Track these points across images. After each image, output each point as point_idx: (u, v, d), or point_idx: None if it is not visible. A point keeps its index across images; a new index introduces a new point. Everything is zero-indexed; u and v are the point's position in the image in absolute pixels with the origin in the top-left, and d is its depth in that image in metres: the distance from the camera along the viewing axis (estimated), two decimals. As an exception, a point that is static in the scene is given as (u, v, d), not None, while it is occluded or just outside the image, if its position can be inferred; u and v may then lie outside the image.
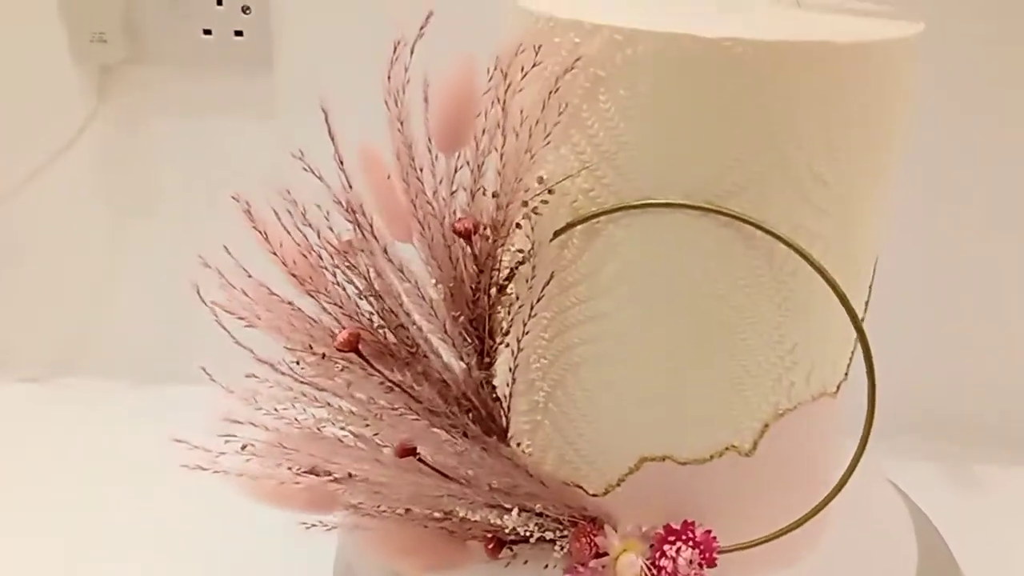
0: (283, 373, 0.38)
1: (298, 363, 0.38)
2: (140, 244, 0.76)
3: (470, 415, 0.39)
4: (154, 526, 0.63)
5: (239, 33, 0.69)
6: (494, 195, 0.37)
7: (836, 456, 0.42)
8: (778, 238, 0.36)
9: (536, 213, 0.37)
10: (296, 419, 0.40)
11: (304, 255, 0.38)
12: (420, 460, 0.39)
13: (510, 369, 0.40)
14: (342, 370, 0.38)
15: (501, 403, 0.40)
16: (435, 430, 0.39)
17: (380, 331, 0.39)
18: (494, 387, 0.40)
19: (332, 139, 0.35)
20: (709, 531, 0.40)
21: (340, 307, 0.38)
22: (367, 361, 0.37)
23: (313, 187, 0.35)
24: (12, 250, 0.77)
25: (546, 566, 0.42)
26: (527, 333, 0.39)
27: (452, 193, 0.37)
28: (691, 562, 0.40)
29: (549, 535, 0.41)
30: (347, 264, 0.38)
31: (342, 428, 0.40)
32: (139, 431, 0.68)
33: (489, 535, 0.42)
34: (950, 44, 0.61)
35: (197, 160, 0.73)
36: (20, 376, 0.80)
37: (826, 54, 0.35)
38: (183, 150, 0.73)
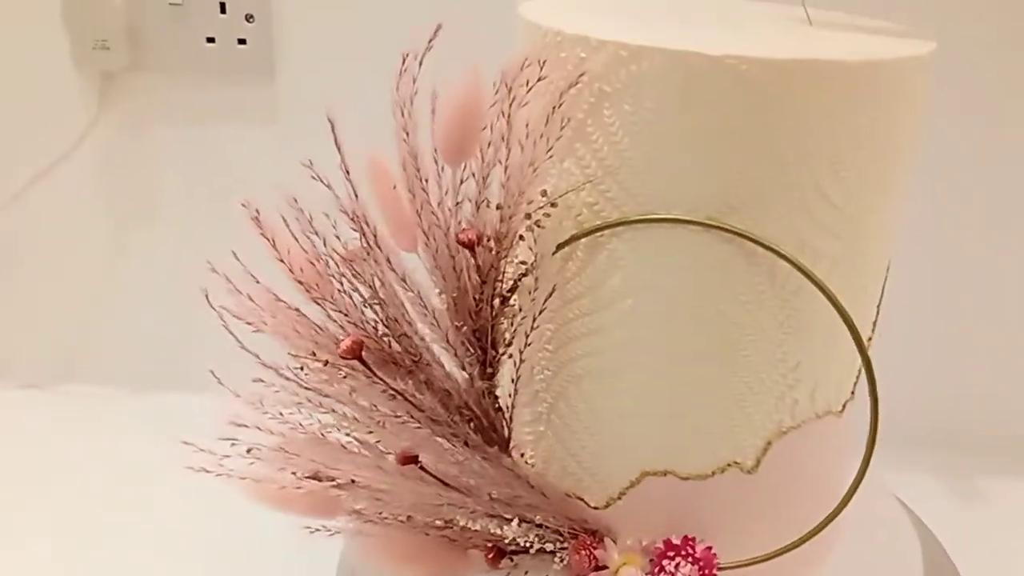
0: (288, 378, 0.39)
1: (302, 369, 0.39)
2: (141, 251, 0.77)
3: (471, 424, 0.40)
4: (155, 532, 0.63)
5: (242, 41, 0.69)
6: (498, 207, 0.37)
7: (842, 474, 0.42)
8: (780, 255, 0.36)
9: (539, 226, 0.37)
10: (300, 424, 0.40)
11: (312, 263, 0.39)
12: (422, 468, 0.39)
13: (512, 380, 0.40)
14: (345, 377, 0.38)
15: (503, 413, 0.41)
16: (437, 439, 0.39)
17: (384, 339, 0.39)
18: (496, 397, 0.40)
19: (338, 149, 0.36)
20: (710, 547, 0.40)
21: (345, 315, 0.39)
22: (370, 369, 0.38)
23: (317, 196, 0.36)
24: (13, 256, 0.78)
25: (546, 577, 0.42)
26: (529, 344, 0.39)
27: (457, 204, 0.37)
28: (690, 578, 0.40)
29: (549, 546, 0.41)
30: (353, 272, 0.38)
31: (346, 434, 0.40)
32: (139, 438, 0.70)
33: (490, 545, 0.42)
34: (961, 59, 0.61)
35: (199, 168, 0.73)
36: (21, 382, 0.80)
37: (834, 73, 0.35)
38: (185, 157, 0.73)
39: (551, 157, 0.36)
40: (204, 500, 0.58)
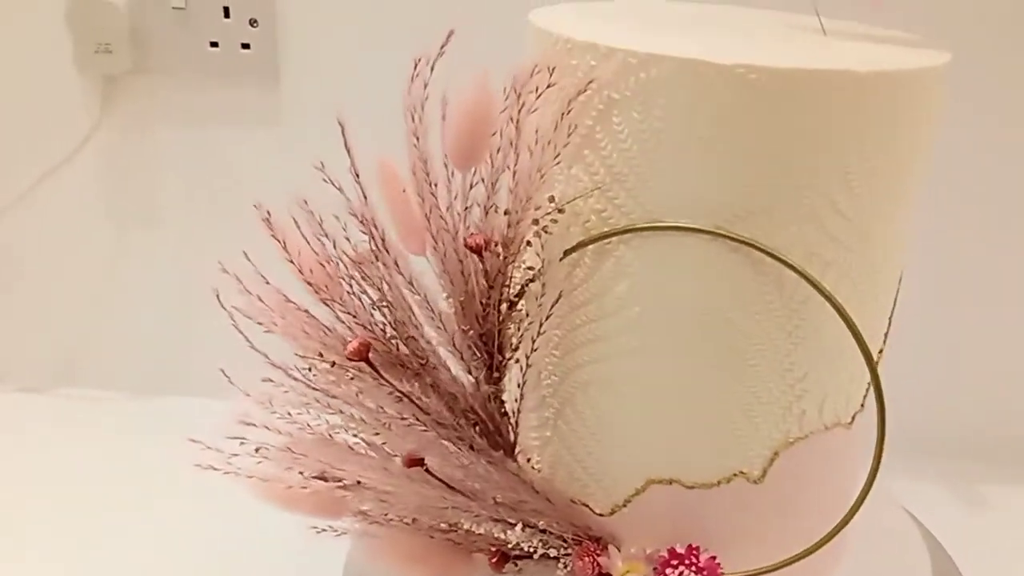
0: (296, 379, 0.39)
1: (310, 370, 0.39)
2: (142, 255, 0.77)
3: (477, 428, 0.40)
4: (155, 535, 0.63)
5: (246, 46, 0.69)
6: (506, 212, 0.37)
7: (849, 484, 0.41)
8: (788, 265, 0.36)
9: (547, 232, 0.37)
10: (308, 424, 0.41)
11: (322, 264, 0.39)
12: (427, 471, 0.39)
13: (518, 385, 0.40)
14: (352, 379, 0.39)
15: (509, 418, 0.41)
16: (443, 442, 0.39)
17: (392, 342, 0.39)
18: (502, 402, 0.40)
19: (348, 152, 0.36)
20: (714, 557, 0.40)
21: (354, 316, 0.39)
22: (376, 371, 0.38)
23: (323, 199, 0.36)
24: (14, 259, 0.77)
25: (549, 583, 0.42)
26: (536, 350, 0.39)
27: (466, 209, 0.38)
28: (694, 587, 0.40)
29: (553, 552, 0.41)
30: (362, 275, 0.39)
31: (354, 435, 0.41)
32: (139, 441, 0.70)
33: (494, 549, 0.42)
34: (977, 69, 0.60)
35: (201, 172, 0.73)
36: (21, 386, 0.80)
37: (844, 83, 0.34)
38: (187, 162, 0.73)
39: (559, 163, 0.36)
40: (205, 503, 0.58)
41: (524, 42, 0.40)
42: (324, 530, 0.42)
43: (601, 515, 0.42)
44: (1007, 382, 0.74)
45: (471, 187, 0.38)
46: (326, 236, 0.38)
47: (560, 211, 0.37)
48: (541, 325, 0.39)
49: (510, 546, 0.41)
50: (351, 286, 0.39)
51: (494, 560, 0.42)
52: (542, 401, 0.42)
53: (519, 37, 0.41)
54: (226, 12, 0.68)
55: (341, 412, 0.40)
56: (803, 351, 0.38)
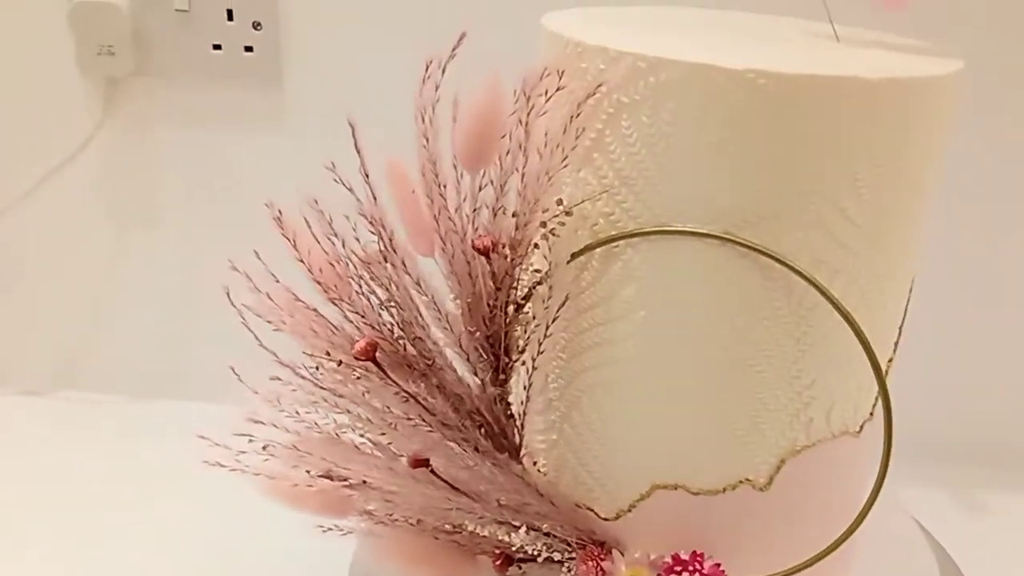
0: (303, 377, 0.40)
1: (318, 369, 0.39)
2: (143, 258, 0.76)
3: (482, 430, 0.40)
4: (155, 538, 0.62)
5: (249, 48, 0.68)
6: (513, 215, 0.37)
7: (857, 493, 0.41)
8: (796, 271, 0.36)
9: (554, 234, 0.37)
10: (316, 423, 0.41)
11: (332, 264, 0.39)
12: (432, 472, 0.39)
13: (524, 387, 0.40)
14: (359, 378, 0.39)
15: (514, 420, 0.41)
16: (448, 443, 0.39)
17: (399, 342, 0.40)
18: (508, 404, 0.40)
19: (359, 153, 0.36)
20: (718, 564, 0.40)
21: (362, 316, 0.39)
22: (383, 370, 0.38)
23: (330, 200, 0.36)
24: (14, 260, 0.77)
25: (552, 586, 0.42)
26: (542, 352, 0.39)
27: (475, 211, 0.38)
28: (697, 594, 0.39)
29: (557, 556, 0.41)
30: (371, 275, 0.39)
31: (361, 435, 0.41)
32: (139, 444, 0.70)
33: (498, 551, 0.42)
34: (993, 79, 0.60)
35: (203, 174, 0.73)
36: (20, 388, 0.79)
37: (854, 89, 0.34)
38: (189, 164, 0.73)
39: (566, 166, 0.36)
40: (206, 505, 0.60)
41: (536, 45, 0.40)
42: (330, 529, 0.42)
43: (606, 519, 0.42)
44: (1012, 387, 0.74)
45: (480, 189, 0.38)
46: (335, 236, 0.38)
47: (568, 214, 0.37)
48: (548, 328, 0.39)
49: (514, 549, 0.41)
50: (360, 286, 0.39)
51: (498, 562, 0.42)
52: (548, 404, 0.42)
53: (528, 39, 0.41)
54: (229, 15, 0.68)
55: (348, 411, 0.40)
56: (811, 358, 0.38)
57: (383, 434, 0.40)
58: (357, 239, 0.38)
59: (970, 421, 0.73)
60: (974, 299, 0.71)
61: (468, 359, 0.39)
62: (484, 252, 0.37)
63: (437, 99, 0.37)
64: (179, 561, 0.60)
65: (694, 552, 0.40)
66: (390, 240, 0.37)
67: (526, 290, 0.39)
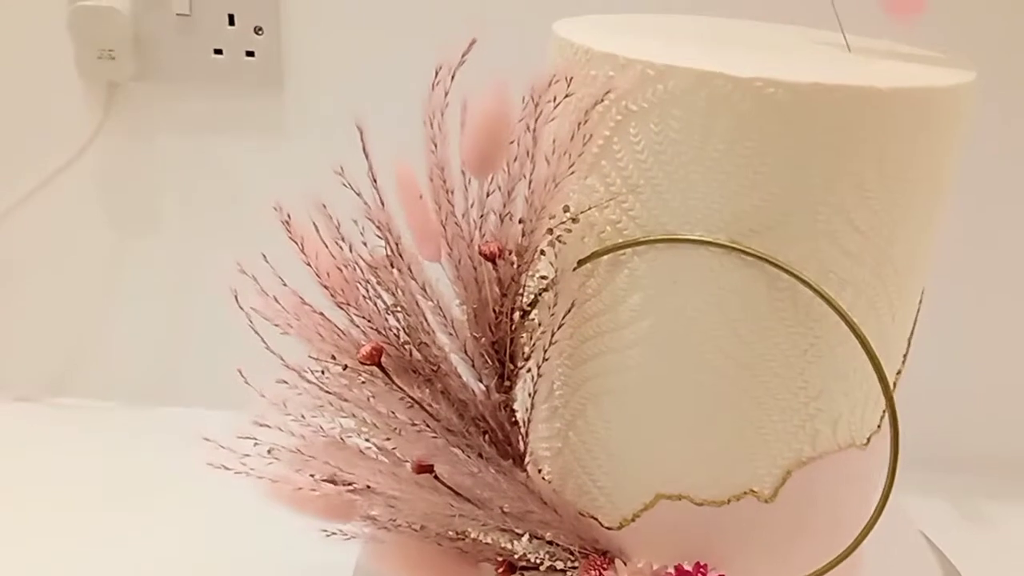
0: (309, 382, 0.40)
1: (323, 373, 0.39)
2: (141, 263, 0.76)
3: (486, 437, 0.40)
4: (153, 545, 0.62)
5: (250, 53, 0.68)
6: (520, 221, 0.37)
7: (863, 506, 0.41)
8: (802, 281, 0.35)
9: (560, 241, 0.37)
10: (321, 427, 0.41)
11: (339, 268, 0.39)
12: (436, 478, 0.39)
13: (529, 394, 0.40)
14: (364, 383, 0.39)
15: (519, 427, 0.41)
16: (452, 449, 0.39)
17: (405, 347, 0.40)
18: (513, 411, 0.40)
19: (366, 157, 0.36)
20: (722, 575, 0.40)
21: (369, 321, 0.39)
22: (388, 375, 0.38)
23: (334, 205, 0.36)
24: (12, 265, 0.76)
25: (555, 595, 0.41)
26: (547, 360, 0.39)
27: (482, 216, 0.38)
28: (700, 605, 0.39)
29: (560, 564, 0.41)
30: (377, 279, 0.39)
31: (366, 440, 0.41)
32: (133, 452, 0.70)
33: (501, 559, 0.42)
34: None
35: (203, 180, 0.73)
36: (14, 395, 0.78)
37: (864, 99, 0.34)
38: (189, 169, 0.72)
39: (573, 173, 0.36)
40: (205, 512, 0.59)
41: (544, 51, 0.40)
42: (333, 534, 0.42)
43: (609, 529, 0.41)
44: (1015, 395, 0.73)
45: (488, 195, 0.38)
46: (343, 240, 0.38)
47: (574, 221, 0.37)
48: (553, 335, 0.38)
49: (517, 557, 0.41)
50: (367, 291, 0.39)
51: (501, 570, 0.42)
52: (553, 411, 0.42)
53: (536, 45, 0.41)
54: (231, 19, 0.67)
55: (353, 416, 0.40)
56: (817, 369, 0.38)
57: (388, 439, 0.40)
58: (364, 243, 0.39)
59: (973, 430, 0.73)
60: (976, 306, 0.70)
61: (473, 365, 0.39)
62: (490, 258, 0.37)
63: (446, 104, 0.37)
64: (177, 569, 0.60)
65: (697, 563, 0.40)
66: (396, 245, 0.38)
67: (532, 297, 0.39)
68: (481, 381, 0.40)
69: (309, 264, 0.39)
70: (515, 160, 0.37)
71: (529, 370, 0.40)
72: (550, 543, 0.41)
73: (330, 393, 0.39)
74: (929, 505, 0.52)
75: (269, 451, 0.40)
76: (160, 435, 0.60)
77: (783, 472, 0.39)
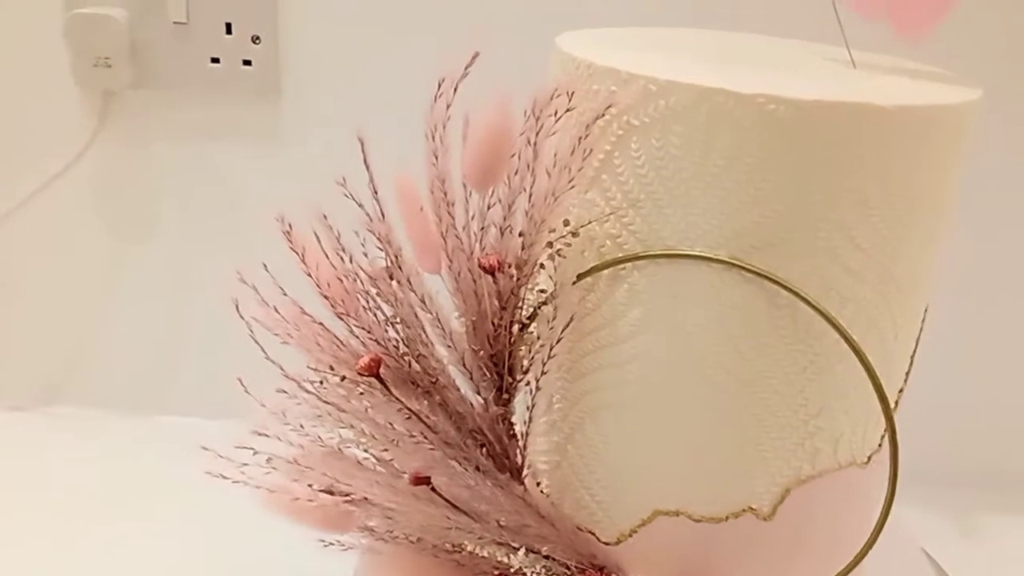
0: (308, 392, 0.40)
1: (321, 383, 0.39)
2: (137, 272, 0.75)
3: (484, 450, 0.40)
4: (147, 556, 0.61)
5: (247, 62, 0.68)
6: (520, 234, 0.37)
7: (864, 524, 0.40)
8: (803, 299, 0.35)
9: (560, 255, 0.37)
10: (320, 437, 0.41)
11: (340, 279, 0.39)
12: (433, 490, 0.39)
13: (527, 408, 0.40)
14: (362, 394, 0.39)
15: (517, 441, 0.40)
16: (450, 462, 0.39)
17: (404, 359, 0.40)
18: (511, 424, 0.40)
19: (367, 168, 0.36)
20: (720, 593, 0.40)
21: (368, 332, 0.39)
22: (386, 387, 0.38)
23: (332, 215, 0.36)
24: (7, 272, 0.76)
25: (552, 610, 0.41)
26: (545, 373, 0.39)
27: (482, 229, 0.38)
28: (696, 623, 0.39)
29: (556, 579, 0.41)
30: (377, 290, 0.39)
31: (365, 451, 0.41)
32: (130, 461, 0.69)
33: (497, 572, 0.42)
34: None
35: (200, 189, 0.72)
36: (7, 404, 0.78)
37: (866, 117, 0.34)
38: (185, 178, 0.72)
39: (573, 188, 0.36)
40: (200, 522, 0.59)
41: (547, 64, 0.40)
42: (331, 544, 0.42)
43: (607, 544, 0.41)
44: (1011, 409, 0.73)
45: (489, 208, 0.38)
46: (343, 251, 0.38)
47: (574, 235, 0.37)
48: (552, 348, 0.38)
49: (513, 571, 0.41)
50: (367, 301, 0.39)
51: (497, 583, 0.42)
52: (552, 425, 0.42)
53: (539, 58, 0.41)
54: (228, 28, 0.67)
55: (352, 427, 0.40)
56: (818, 387, 0.38)
57: (386, 450, 0.40)
58: (365, 254, 0.39)
59: (969, 443, 0.72)
60: (975, 318, 0.70)
61: (471, 377, 0.39)
62: (490, 271, 0.37)
63: (448, 117, 0.37)
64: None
65: (695, 580, 0.40)
66: (396, 257, 0.38)
67: (531, 310, 0.39)
68: (479, 394, 0.39)
69: (309, 274, 0.39)
70: (516, 173, 0.37)
71: (528, 383, 0.40)
72: (547, 557, 0.40)
73: (328, 403, 0.39)
74: (928, 519, 0.52)
75: (268, 460, 0.41)
76: (156, 444, 0.59)
77: (782, 490, 0.39)
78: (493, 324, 0.38)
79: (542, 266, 0.38)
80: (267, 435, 0.40)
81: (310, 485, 0.40)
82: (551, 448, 0.42)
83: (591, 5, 0.61)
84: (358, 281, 0.39)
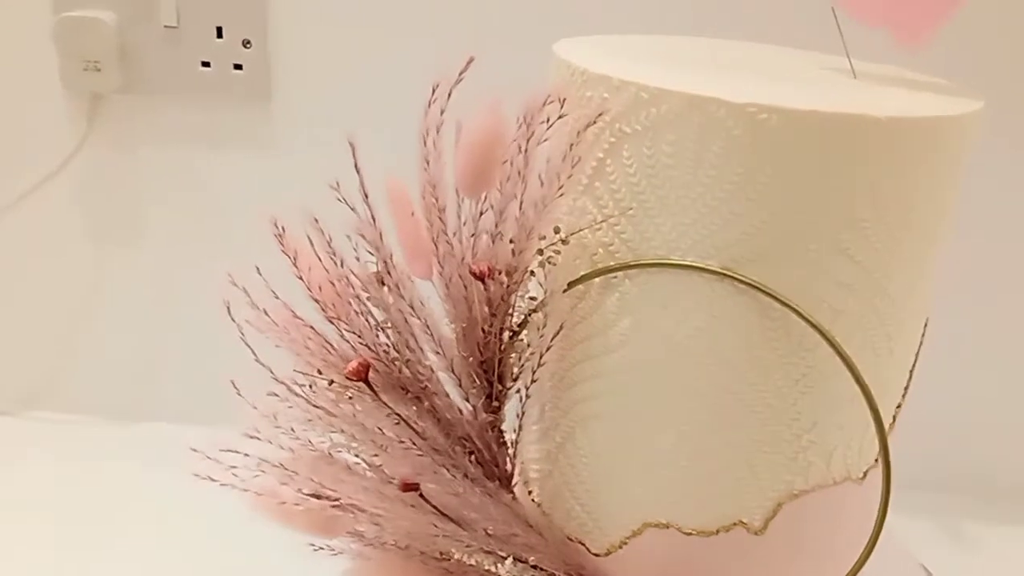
0: (297, 395, 0.39)
1: (311, 387, 0.39)
2: (123, 277, 0.75)
3: (472, 457, 0.39)
4: (128, 562, 0.61)
5: (238, 67, 0.68)
6: (511, 241, 0.37)
7: (858, 539, 0.40)
8: (794, 310, 0.35)
9: (551, 263, 0.37)
10: (310, 441, 0.41)
11: (332, 283, 0.39)
12: (421, 496, 0.39)
13: (518, 415, 0.40)
14: (350, 398, 0.39)
15: (507, 449, 0.40)
16: (439, 468, 0.39)
17: (395, 363, 0.39)
18: (501, 432, 0.40)
19: (358, 173, 0.36)
20: (709, 607, 0.39)
21: (359, 336, 0.39)
22: (375, 392, 0.38)
23: (323, 220, 0.36)
24: None
25: (539, 620, 0.41)
26: (535, 381, 0.39)
27: (473, 235, 0.38)
28: (684, 637, 0.38)
29: (544, 589, 0.40)
30: (368, 295, 0.39)
31: (355, 455, 0.41)
32: (112, 467, 0.69)
33: (486, 581, 0.41)
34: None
35: (189, 193, 0.72)
36: None
37: (858, 127, 0.33)
38: (175, 183, 0.72)
39: (562, 195, 0.35)
40: (184, 527, 0.59)
41: (544, 69, 0.40)
42: (320, 548, 0.42)
43: (596, 555, 0.41)
44: (1002, 417, 0.72)
45: (480, 214, 0.38)
46: (335, 255, 0.38)
47: (564, 242, 0.37)
48: (541, 356, 0.38)
49: (501, 579, 0.40)
50: (358, 306, 0.39)
51: (485, 592, 0.41)
52: (544, 433, 0.42)
53: (534, 62, 0.40)
54: (219, 32, 0.67)
55: (342, 431, 0.40)
56: (811, 400, 0.37)
57: (375, 456, 0.40)
58: (357, 258, 0.38)
59: (959, 451, 0.72)
60: (964, 328, 0.69)
61: (461, 384, 0.39)
62: (480, 278, 0.37)
63: (441, 123, 0.37)
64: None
65: (684, 594, 0.39)
66: (387, 262, 0.37)
67: (522, 317, 0.38)
68: (468, 401, 0.39)
69: (301, 277, 0.39)
70: (507, 180, 0.37)
71: (518, 391, 0.39)
72: (534, 567, 0.40)
73: (318, 407, 0.39)
74: (921, 527, 0.51)
75: (258, 464, 0.40)
76: (141, 449, 0.59)
77: (774, 504, 0.39)
78: (483, 331, 0.38)
79: (532, 273, 0.37)
80: (259, 438, 0.40)
81: (298, 489, 0.40)
82: (543, 457, 0.42)
83: (591, 11, 0.60)
84: (349, 285, 0.39)
